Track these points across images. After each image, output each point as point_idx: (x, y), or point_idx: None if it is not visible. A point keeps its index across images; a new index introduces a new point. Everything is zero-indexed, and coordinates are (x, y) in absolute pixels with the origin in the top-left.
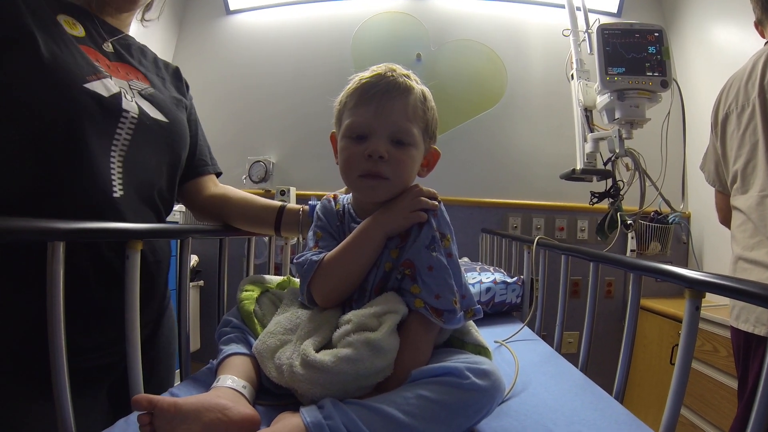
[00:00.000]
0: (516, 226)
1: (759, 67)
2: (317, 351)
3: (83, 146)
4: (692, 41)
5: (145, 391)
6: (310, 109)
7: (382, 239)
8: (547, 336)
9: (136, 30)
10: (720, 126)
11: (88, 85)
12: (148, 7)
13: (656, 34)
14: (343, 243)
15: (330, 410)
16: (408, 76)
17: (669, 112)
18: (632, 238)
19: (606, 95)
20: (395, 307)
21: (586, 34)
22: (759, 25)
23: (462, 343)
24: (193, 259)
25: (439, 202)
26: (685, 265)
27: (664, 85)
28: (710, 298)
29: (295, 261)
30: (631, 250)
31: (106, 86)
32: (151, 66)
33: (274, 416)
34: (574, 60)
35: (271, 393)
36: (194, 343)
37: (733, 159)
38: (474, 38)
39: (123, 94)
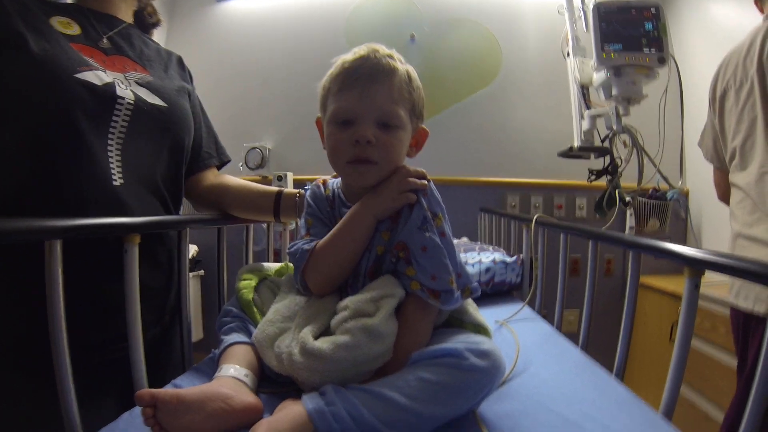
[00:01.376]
0: (515, 205)
1: (757, 43)
2: (316, 338)
3: (78, 136)
4: (689, 17)
5: (163, 384)
6: (305, 93)
7: (372, 223)
8: (547, 314)
9: None
10: (718, 102)
11: (79, 75)
12: None
13: (653, 11)
14: (334, 230)
15: (332, 396)
16: (391, 56)
17: (666, 89)
18: (631, 215)
19: (602, 72)
20: (392, 290)
21: (581, 10)
22: (758, 0)
23: (461, 322)
24: (193, 249)
25: (429, 180)
26: (684, 242)
27: (662, 61)
28: (709, 276)
29: (288, 250)
30: (630, 227)
31: (98, 76)
32: (154, 56)
33: (277, 404)
34: (570, 37)
35: (274, 381)
36: (197, 333)
37: (731, 135)
38: (468, 17)
39: (117, 83)
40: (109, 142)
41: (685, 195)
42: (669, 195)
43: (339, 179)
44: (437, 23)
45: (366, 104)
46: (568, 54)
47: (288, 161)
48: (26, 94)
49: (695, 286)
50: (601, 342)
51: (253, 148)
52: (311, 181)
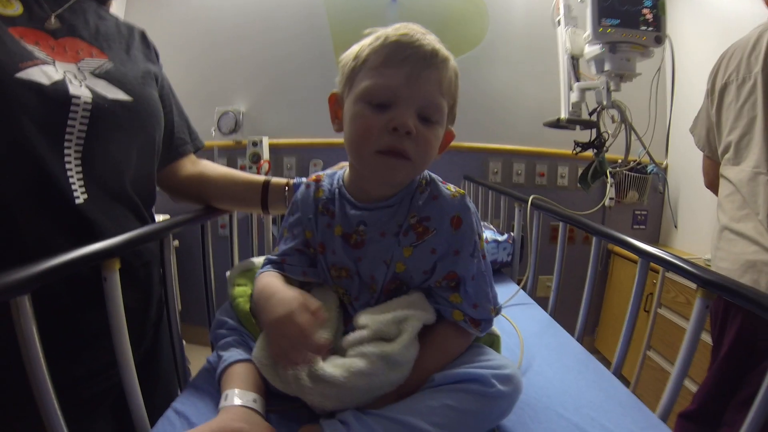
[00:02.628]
0: (497, 171)
1: (764, 41)
2: (324, 359)
3: (28, 151)
4: None
5: (152, 406)
6: (279, 52)
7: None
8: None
9: None
10: (717, 94)
11: (21, 74)
12: None
13: None
14: (264, 288)
15: (354, 426)
16: (442, 43)
17: (660, 68)
18: (611, 186)
19: (597, 46)
20: (420, 314)
21: None
22: None
23: None
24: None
25: (464, 195)
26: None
27: (659, 41)
28: (690, 251)
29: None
30: (610, 198)
31: (45, 73)
32: (112, 33)
33: (288, 424)
34: (561, 6)
35: (281, 395)
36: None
37: (727, 129)
38: None
39: (68, 78)
40: (66, 152)
41: (665, 170)
42: (649, 169)
43: (341, 172)
44: None
45: (413, 89)
46: (559, 23)
47: (263, 125)
48: None
49: (705, 306)
50: (573, 303)
51: (226, 112)
52: (286, 146)
